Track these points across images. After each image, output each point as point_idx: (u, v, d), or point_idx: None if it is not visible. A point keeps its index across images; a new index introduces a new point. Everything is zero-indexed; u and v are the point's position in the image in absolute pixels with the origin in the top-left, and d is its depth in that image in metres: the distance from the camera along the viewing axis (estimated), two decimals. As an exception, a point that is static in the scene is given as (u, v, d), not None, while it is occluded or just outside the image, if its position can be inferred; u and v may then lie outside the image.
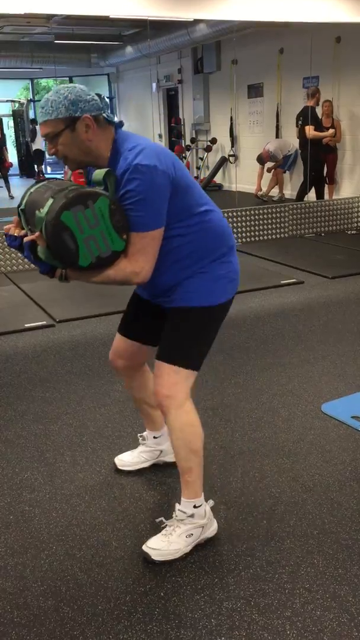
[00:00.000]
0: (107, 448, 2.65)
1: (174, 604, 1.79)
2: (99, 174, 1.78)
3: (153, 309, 2.10)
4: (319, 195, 8.04)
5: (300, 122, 8.00)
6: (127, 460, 2.48)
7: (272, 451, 2.58)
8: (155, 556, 1.95)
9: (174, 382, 1.93)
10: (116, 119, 1.85)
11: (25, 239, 1.79)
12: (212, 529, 2.05)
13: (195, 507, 1.98)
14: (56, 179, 1.96)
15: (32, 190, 1.89)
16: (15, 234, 1.87)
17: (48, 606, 1.80)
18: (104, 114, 1.82)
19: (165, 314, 2.02)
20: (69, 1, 5.12)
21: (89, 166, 1.91)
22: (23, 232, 1.88)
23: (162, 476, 2.42)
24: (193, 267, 1.93)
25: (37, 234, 1.75)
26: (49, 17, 7.93)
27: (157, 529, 2.10)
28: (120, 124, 1.87)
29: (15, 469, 2.52)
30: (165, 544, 1.96)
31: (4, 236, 1.89)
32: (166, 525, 2.02)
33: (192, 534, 1.98)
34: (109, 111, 1.85)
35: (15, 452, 2.65)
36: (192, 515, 1.98)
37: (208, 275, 1.94)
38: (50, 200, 1.72)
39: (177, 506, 2.00)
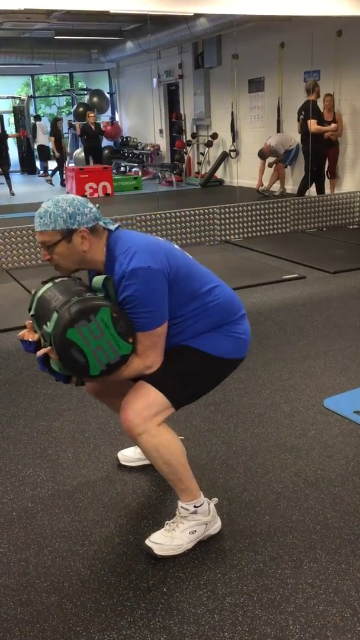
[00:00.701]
0: (109, 444, 2.65)
1: (176, 599, 1.79)
2: (97, 281, 1.84)
3: None
4: (320, 190, 8.02)
5: (302, 117, 7.97)
6: (130, 455, 2.48)
7: (275, 447, 2.58)
8: (158, 551, 1.96)
9: (144, 412, 1.88)
10: (112, 226, 1.91)
11: (38, 354, 1.85)
12: (216, 526, 2.05)
13: (196, 507, 1.98)
14: (62, 277, 1.99)
15: (38, 294, 1.95)
16: (30, 339, 1.93)
17: (51, 602, 1.81)
18: (100, 222, 1.88)
19: None
20: (68, -4, 5.11)
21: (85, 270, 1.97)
22: (37, 336, 1.93)
23: (165, 472, 2.42)
24: (204, 334, 1.97)
25: (48, 348, 1.81)
26: (48, 13, 7.90)
27: (160, 525, 2.10)
28: (117, 228, 1.92)
29: (17, 466, 2.52)
30: (168, 539, 1.97)
31: (19, 341, 2.01)
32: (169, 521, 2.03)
33: (195, 531, 1.98)
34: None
35: (18, 449, 2.65)
36: (194, 512, 1.98)
37: (219, 334, 1.98)
38: (55, 315, 1.78)
39: (180, 503, 2.00)
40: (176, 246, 1.98)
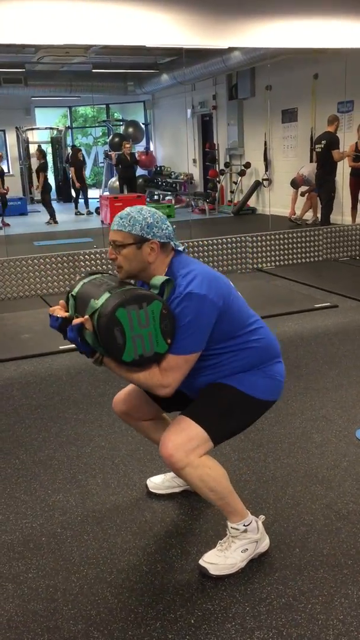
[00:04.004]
0: (138, 471, 2.65)
1: (204, 631, 1.77)
2: (158, 279, 1.89)
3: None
4: (327, 219, 8.07)
5: (320, 146, 8.05)
6: (159, 483, 2.47)
7: (305, 477, 2.55)
8: (213, 570, 1.97)
9: (184, 446, 1.88)
10: (180, 248, 1.98)
11: (75, 322, 1.87)
12: (265, 543, 2.07)
13: (245, 525, 2.00)
14: (110, 274, 2.07)
15: (86, 281, 1.99)
16: (58, 316, 1.97)
17: (78, 630, 1.80)
18: (172, 243, 1.95)
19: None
20: (106, 32, 5.27)
21: (139, 280, 2.01)
22: (66, 314, 1.98)
23: (194, 501, 2.40)
24: (239, 372, 1.99)
25: (86, 317, 1.84)
26: (87, 47, 8.14)
27: (188, 554, 2.09)
28: (183, 251, 1.99)
29: (47, 491, 2.53)
30: (222, 559, 1.98)
31: (48, 316, 2.04)
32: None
33: (247, 549, 2.01)
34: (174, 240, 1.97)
35: (48, 474, 2.67)
36: (245, 531, 2.00)
37: (255, 371, 1.99)
38: (107, 295, 1.83)
39: (229, 524, 2.02)
40: (232, 285, 2.02)
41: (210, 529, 2.24)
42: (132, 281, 2.00)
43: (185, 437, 1.90)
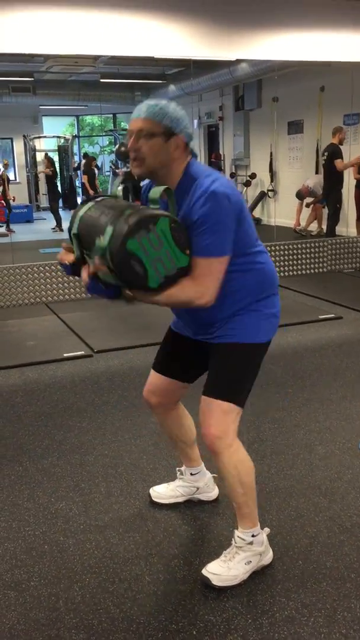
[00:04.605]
0: (141, 480, 2.65)
1: (206, 643, 1.76)
2: (155, 192, 1.78)
3: (192, 346, 2.11)
4: (332, 230, 8.10)
5: (324, 158, 8.14)
6: (162, 492, 2.47)
7: (309, 489, 2.54)
8: (216, 581, 1.96)
9: (224, 422, 1.94)
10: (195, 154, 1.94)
11: (84, 276, 1.80)
12: (269, 556, 2.07)
13: (253, 536, 2.00)
14: (104, 197, 1.95)
15: (81, 213, 1.89)
16: (67, 262, 1.91)
17: (80, 639, 1.79)
18: (190, 145, 1.90)
19: (206, 351, 2.04)
20: (115, 42, 5.31)
21: (154, 180, 1.92)
22: (73, 258, 1.90)
23: (197, 511, 2.40)
24: (241, 303, 1.95)
25: (96, 264, 1.74)
26: (95, 58, 8.20)
27: (190, 564, 2.08)
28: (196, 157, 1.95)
29: (50, 498, 2.53)
30: (225, 570, 1.97)
31: (58, 266, 1.93)
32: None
33: (250, 561, 2.00)
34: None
35: (52, 482, 2.66)
36: (250, 543, 2.00)
37: (256, 313, 1.98)
38: (110, 228, 1.72)
39: (236, 532, 2.02)
40: None
41: (213, 539, 2.23)
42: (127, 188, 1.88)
43: (219, 413, 1.93)
